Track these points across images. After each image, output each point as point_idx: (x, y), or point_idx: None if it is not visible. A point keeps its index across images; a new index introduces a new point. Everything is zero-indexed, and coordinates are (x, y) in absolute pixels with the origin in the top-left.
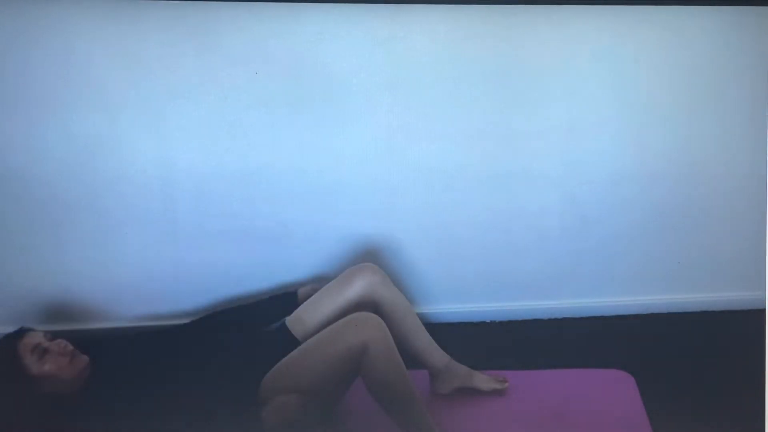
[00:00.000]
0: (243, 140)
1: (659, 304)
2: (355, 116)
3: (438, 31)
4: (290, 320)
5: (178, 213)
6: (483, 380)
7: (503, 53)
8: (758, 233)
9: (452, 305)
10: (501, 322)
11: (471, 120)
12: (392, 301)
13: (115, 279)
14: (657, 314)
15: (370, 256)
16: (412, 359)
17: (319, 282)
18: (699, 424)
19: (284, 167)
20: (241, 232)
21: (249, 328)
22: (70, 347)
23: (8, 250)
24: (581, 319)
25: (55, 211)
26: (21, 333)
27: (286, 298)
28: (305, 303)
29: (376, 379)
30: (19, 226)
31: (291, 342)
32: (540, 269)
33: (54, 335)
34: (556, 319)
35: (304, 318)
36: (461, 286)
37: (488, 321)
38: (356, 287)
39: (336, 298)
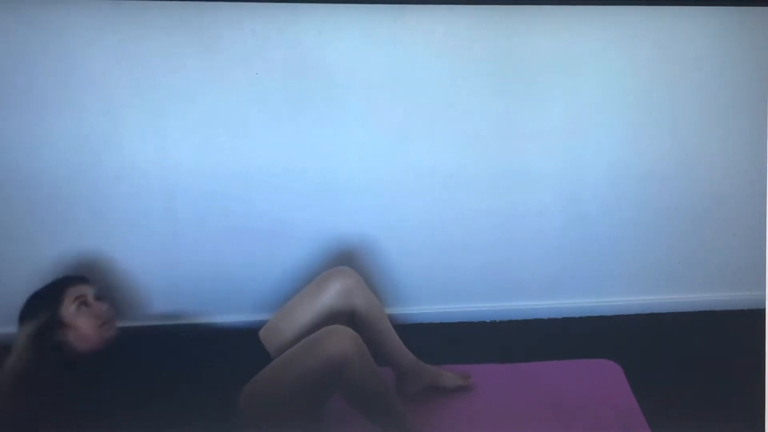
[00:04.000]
0: (243, 140)
1: (659, 304)
2: (354, 116)
3: (438, 32)
4: (264, 330)
5: (178, 212)
6: (449, 378)
7: (503, 53)
8: (758, 233)
9: (451, 305)
10: (501, 322)
11: (471, 120)
12: (367, 305)
13: (115, 278)
14: (657, 314)
15: (370, 256)
16: (381, 360)
17: None
18: (700, 425)
19: (284, 167)
20: (241, 232)
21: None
22: (108, 314)
23: (9, 249)
24: (581, 318)
25: (56, 211)
26: (75, 280)
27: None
28: (280, 311)
29: (355, 392)
30: (20, 225)
31: (264, 353)
32: (540, 269)
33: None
34: (556, 319)
35: (279, 326)
36: (461, 285)
37: (488, 321)
38: (332, 292)
39: (312, 304)
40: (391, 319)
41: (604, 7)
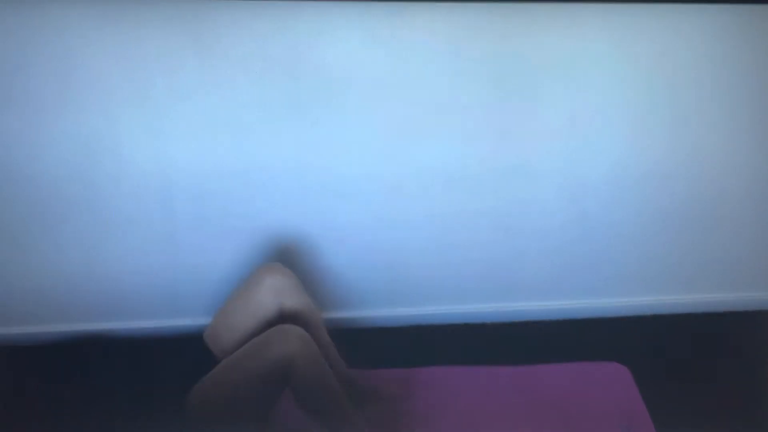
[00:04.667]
0: (243, 140)
1: (661, 305)
2: (354, 116)
3: (438, 30)
4: (206, 333)
5: (177, 212)
6: (382, 391)
7: (503, 52)
8: (761, 233)
9: (452, 306)
10: (501, 323)
11: (471, 119)
12: (298, 306)
13: (115, 278)
14: (659, 315)
15: (371, 256)
16: None
17: None
18: (704, 425)
19: (284, 167)
20: (240, 232)
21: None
22: None
23: (8, 249)
24: (582, 319)
25: (55, 211)
26: None
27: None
28: (218, 312)
29: (303, 393)
30: (18, 225)
31: (210, 355)
32: (542, 269)
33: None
34: (556, 320)
35: (218, 328)
36: (462, 285)
37: (488, 322)
38: (262, 289)
39: (244, 303)
40: (392, 319)
41: (604, 7)
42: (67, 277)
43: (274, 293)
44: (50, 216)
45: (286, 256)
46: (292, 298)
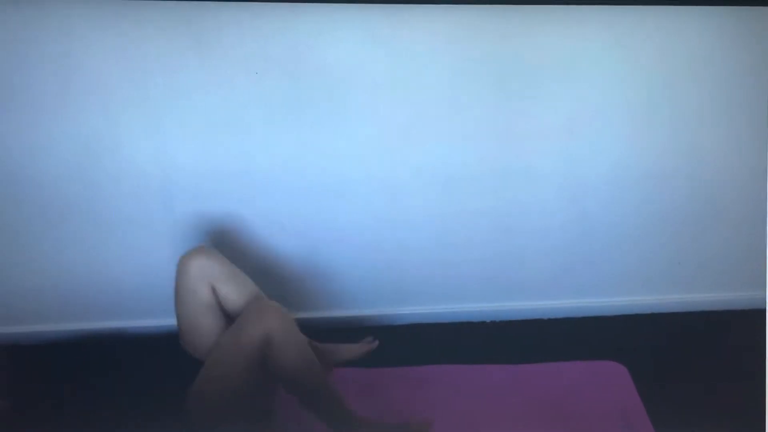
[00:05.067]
0: (243, 140)
1: (659, 304)
2: (355, 116)
3: (438, 31)
4: (182, 343)
5: (177, 213)
6: (347, 352)
7: (503, 53)
8: (759, 233)
9: (451, 305)
10: (501, 322)
11: (471, 119)
12: (233, 287)
13: (115, 278)
14: (657, 314)
15: (372, 255)
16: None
17: None
18: (700, 425)
19: (284, 167)
20: (240, 232)
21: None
22: None
23: (8, 249)
24: (581, 318)
25: (55, 211)
26: None
27: None
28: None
29: (284, 369)
30: (18, 225)
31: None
32: (541, 269)
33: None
34: (555, 318)
35: (184, 333)
36: (461, 284)
37: (488, 321)
38: (190, 275)
39: (182, 295)
40: (392, 318)
41: (604, 7)
42: (67, 277)
43: (202, 276)
44: (50, 216)
45: (286, 256)
46: (222, 276)
